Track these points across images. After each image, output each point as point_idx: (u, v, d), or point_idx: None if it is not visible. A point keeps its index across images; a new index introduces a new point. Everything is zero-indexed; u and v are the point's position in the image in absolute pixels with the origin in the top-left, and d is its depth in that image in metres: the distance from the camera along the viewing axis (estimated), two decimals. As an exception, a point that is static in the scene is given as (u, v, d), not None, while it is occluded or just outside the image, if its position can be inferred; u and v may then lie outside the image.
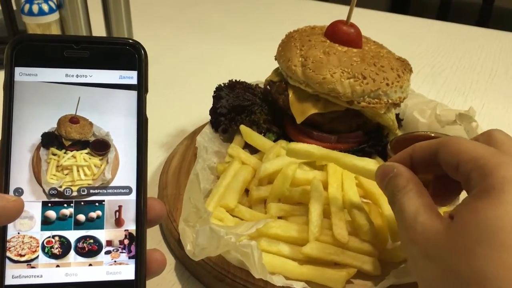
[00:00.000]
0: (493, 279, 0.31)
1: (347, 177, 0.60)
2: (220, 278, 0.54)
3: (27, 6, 0.98)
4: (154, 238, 0.62)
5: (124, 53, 0.41)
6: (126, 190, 0.40)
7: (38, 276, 0.38)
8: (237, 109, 0.73)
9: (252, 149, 0.70)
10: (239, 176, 0.62)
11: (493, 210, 0.33)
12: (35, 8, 0.98)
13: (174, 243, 0.59)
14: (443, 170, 0.41)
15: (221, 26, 1.36)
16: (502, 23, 2.83)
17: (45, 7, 0.99)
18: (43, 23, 1.00)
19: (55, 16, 1.02)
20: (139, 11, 1.27)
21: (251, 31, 1.33)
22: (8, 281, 0.37)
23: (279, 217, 0.58)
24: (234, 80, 0.78)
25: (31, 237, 0.39)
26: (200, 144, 0.69)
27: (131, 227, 0.40)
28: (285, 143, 0.69)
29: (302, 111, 0.67)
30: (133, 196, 0.40)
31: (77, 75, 0.40)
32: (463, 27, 1.39)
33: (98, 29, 1.14)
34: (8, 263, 0.37)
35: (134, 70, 0.41)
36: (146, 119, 0.41)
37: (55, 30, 1.03)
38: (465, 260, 0.32)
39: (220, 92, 0.75)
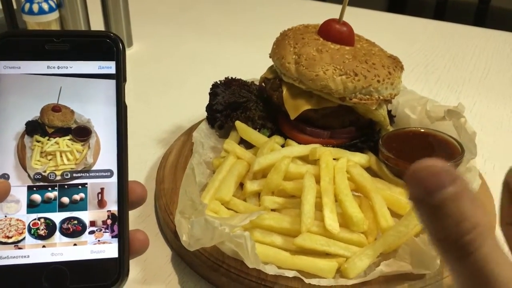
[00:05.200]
0: None
1: (339, 171, 0.62)
2: (214, 268, 0.55)
3: (27, 5, 1.00)
4: (151, 231, 0.64)
5: (103, 45, 0.43)
6: (108, 173, 0.43)
7: (25, 257, 0.40)
8: (233, 105, 0.75)
9: (247, 144, 0.72)
10: (234, 170, 0.64)
11: None
12: (35, 7, 1.00)
13: (171, 235, 0.61)
14: None
15: (218, 26, 1.38)
16: (499, 22, 2.85)
17: (45, 6, 1.01)
18: (43, 21, 1.02)
19: (55, 15, 1.03)
20: (138, 11, 1.29)
21: (248, 31, 1.34)
22: None
23: (272, 210, 0.60)
24: (230, 78, 0.80)
25: (17, 219, 0.41)
26: (196, 139, 0.71)
27: (113, 208, 0.42)
28: (279, 139, 0.70)
29: (295, 107, 0.69)
30: (114, 179, 0.42)
31: (58, 66, 0.43)
32: (457, 26, 1.41)
33: (97, 28, 1.16)
34: None
35: (113, 60, 0.43)
36: (125, 106, 0.43)
37: (55, 29, 1.05)
38: None
39: (216, 89, 0.77)
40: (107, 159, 0.43)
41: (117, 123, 0.43)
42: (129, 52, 1.18)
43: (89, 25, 1.12)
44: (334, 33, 0.70)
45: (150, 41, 1.24)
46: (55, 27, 1.05)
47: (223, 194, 0.61)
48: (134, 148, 0.79)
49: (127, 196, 0.42)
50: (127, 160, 0.43)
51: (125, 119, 0.44)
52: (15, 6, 1.08)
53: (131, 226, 0.66)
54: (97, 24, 1.15)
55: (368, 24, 1.35)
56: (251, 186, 0.62)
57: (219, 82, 0.79)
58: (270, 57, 0.74)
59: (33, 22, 1.01)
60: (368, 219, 0.58)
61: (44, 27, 1.03)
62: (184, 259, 0.59)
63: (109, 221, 0.42)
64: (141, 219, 0.66)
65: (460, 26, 1.41)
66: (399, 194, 0.62)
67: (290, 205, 0.60)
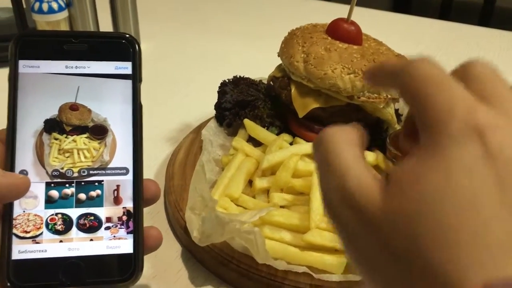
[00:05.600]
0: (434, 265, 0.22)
1: (347, 168, 0.62)
2: (224, 263, 0.56)
3: (37, 4, 1.01)
4: (161, 227, 0.64)
5: (120, 46, 0.45)
6: (123, 170, 0.44)
7: (42, 251, 0.41)
8: (241, 104, 0.76)
9: (255, 142, 0.72)
10: (243, 168, 0.65)
11: (433, 177, 0.24)
12: (45, 6, 1.01)
13: (181, 231, 0.61)
14: None
15: (226, 24, 1.39)
16: (504, 22, 2.84)
17: (54, 5, 1.02)
18: (52, 21, 1.03)
19: (64, 14, 1.04)
20: (146, 10, 1.29)
21: (256, 29, 1.35)
22: (15, 256, 0.40)
23: (281, 207, 0.61)
24: (238, 76, 0.80)
25: (35, 215, 0.42)
26: (205, 137, 0.72)
27: (129, 204, 0.43)
28: (287, 137, 0.71)
29: (304, 105, 0.70)
30: (129, 176, 0.43)
31: (76, 66, 0.44)
32: (462, 26, 1.41)
33: (106, 27, 1.17)
34: (14, 239, 0.40)
35: (129, 61, 0.45)
36: (141, 106, 0.44)
37: (64, 28, 1.06)
38: (403, 237, 0.23)
39: (224, 88, 0.77)
40: (123, 157, 0.44)
41: (132, 122, 0.44)
42: (136, 51, 1.19)
43: (97, 24, 1.13)
44: (342, 32, 0.71)
45: (158, 40, 1.25)
46: (64, 26, 1.06)
47: (232, 191, 0.62)
48: (144, 147, 0.80)
49: (142, 194, 0.43)
50: (142, 158, 0.44)
51: (141, 118, 0.45)
52: (24, 6, 1.09)
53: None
54: (105, 23, 1.16)
55: (372, 23, 1.36)
56: (260, 183, 0.63)
57: (227, 81, 0.79)
58: (278, 56, 0.75)
59: (42, 21, 1.02)
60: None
61: (54, 26, 1.04)
62: (194, 254, 0.60)
63: (124, 218, 0.43)
64: (150, 216, 0.66)
65: (465, 26, 1.41)
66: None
67: (299, 202, 0.61)
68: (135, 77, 0.45)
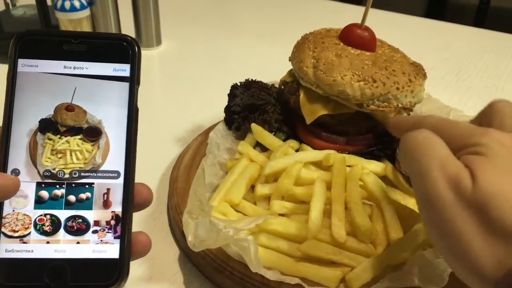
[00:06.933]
0: None
1: (351, 178, 0.61)
2: (219, 269, 0.55)
3: (59, 2, 1.02)
4: (162, 229, 0.65)
5: (119, 48, 0.44)
6: (115, 174, 0.43)
7: (29, 251, 0.41)
8: (251, 107, 0.75)
9: (263, 147, 0.71)
10: (246, 173, 0.64)
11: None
12: (67, 5, 1.02)
13: (180, 235, 0.61)
14: None
15: (248, 25, 1.39)
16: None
17: (76, 3, 1.03)
18: (74, 19, 1.04)
19: (86, 12, 1.06)
20: (168, 9, 1.30)
21: (278, 31, 1.34)
22: (2, 254, 0.40)
23: (282, 215, 0.60)
24: (250, 79, 0.79)
25: (24, 214, 0.42)
26: (212, 140, 0.71)
27: (118, 209, 0.42)
28: (294, 143, 0.70)
29: (312, 111, 0.68)
30: (120, 180, 0.43)
31: (75, 67, 0.44)
32: (493, 34, 1.37)
33: (127, 26, 1.18)
34: (2, 237, 0.40)
35: (128, 63, 0.44)
36: (137, 109, 0.44)
37: (86, 26, 1.08)
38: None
39: (235, 91, 0.77)
40: (115, 160, 0.44)
41: (127, 126, 0.44)
42: (157, 51, 1.20)
43: (119, 23, 1.14)
44: (355, 38, 0.69)
45: (179, 40, 1.26)
46: (86, 24, 1.07)
47: (232, 196, 0.61)
48: (153, 147, 0.80)
49: (132, 198, 0.43)
50: (134, 162, 0.44)
51: (136, 122, 0.44)
52: (50, 3, 1.11)
53: (144, 223, 0.68)
54: (127, 22, 1.18)
55: (401, 28, 1.33)
56: (262, 189, 0.62)
57: (239, 84, 0.79)
58: (289, 60, 0.74)
59: (65, 19, 1.04)
60: (378, 229, 0.57)
61: (75, 24, 1.05)
62: (191, 259, 0.59)
63: (112, 222, 0.42)
64: (153, 217, 0.66)
65: (496, 33, 1.36)
66: (413, 206, 0.61)
67: (299, 210, 0.60)
68: (133, 80, 0.45)
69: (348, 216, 0.57)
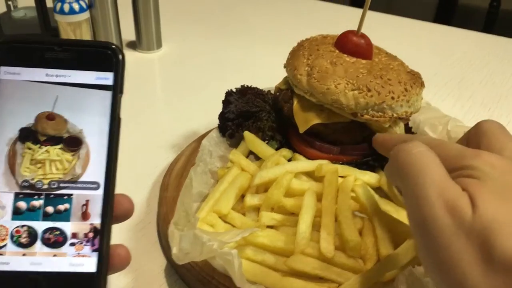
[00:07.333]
0: None
1: (343, 190, 0.59)
2: (204, 282, 0.54)
3: (59, 5, 1.02)
4: (150, 239, 0.64)
5: (102, 56, 0.43)
6: (94, 185, 0.42)
7: (5, 263, 0.40)
8: (245, 114, 0.74)
9: (257, 156, 0.70)
10: (236, 183, 0.63)
11: None
12: (66, 7, 1.02)
13: (166, 245, 0.60)
14: None
15: (250, 30, 1.37)
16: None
17: (75, 6, 1.03)
18: (74, 21, 1.04)
19: (86, 15, 1.05)
20: (169, 13, 1.30)
21: (279, 36, 1.32)
22: None
23: (270, 227, 0.58)
24: (245, 86, 0.78)
25: (1, 225, 0.41)
26: (205, 147, 0.70)
27: (97, 221, 0.41)
28: (286, 152, 0.69)
29: (305, 120, 0.67)
30: (100, 192, 0.42)
31: (57, 75, 0.43)
32: (499, 39, 1.34)
33: (127, 30, 1.18)
34: None
35: (111, 71, 0.43)
36: (119, 119, 0.43)
37: (85, 29, 1.07)
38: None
39: (229, 97, 0.76)
40: (95, 171, 0.43)
41: (108, 136, 0.43)
42: (158, 54, 1.19)
43: (119, 26, 1.13)
44: (351, 45, 0.67)
45: (180, 44, 1.25)
46: (86, 27, 1.07)
47: (221, 207, 0.60)
48: (147, 152, 0.79)
49: (111, 211, 0.42)
50: (115, 173, 0.43)
51: (118, 132, 0.43)
52: (50, 5, 1.11)
53: (131, 232, 0.67)
54: (127, 25, 1.17)
55: (405, 33, 1.31)
56: (251, 200, 0.61)
57: (234, 90, 0.78)
58: (284, 67, 0.72)
59: (64, 22, 1.03)
60: (368, 243, 0.55)
61: (75, 27, 1.05)
62: (177, 270, 0.58)
63: (90, 234, 0.41)
64: (141, 226, 0.65)
65: (503, 38, 1.34)
66: (406, 219, 0.59)
67: (288, 222, 0.58)
68: (116, 89, 0.44)
69: (338, 229, 0.56)
